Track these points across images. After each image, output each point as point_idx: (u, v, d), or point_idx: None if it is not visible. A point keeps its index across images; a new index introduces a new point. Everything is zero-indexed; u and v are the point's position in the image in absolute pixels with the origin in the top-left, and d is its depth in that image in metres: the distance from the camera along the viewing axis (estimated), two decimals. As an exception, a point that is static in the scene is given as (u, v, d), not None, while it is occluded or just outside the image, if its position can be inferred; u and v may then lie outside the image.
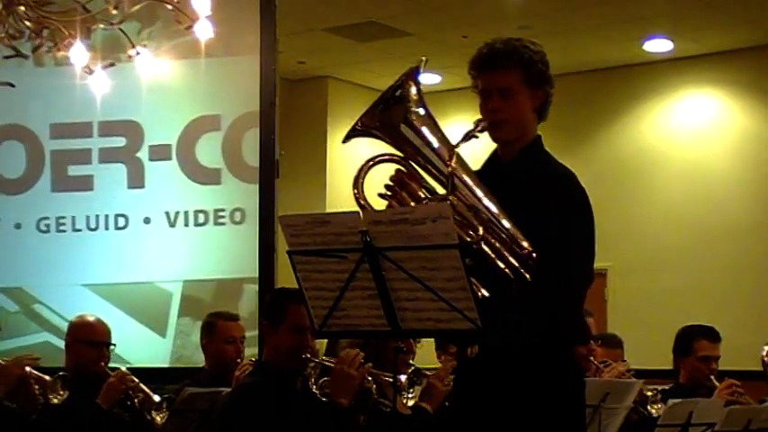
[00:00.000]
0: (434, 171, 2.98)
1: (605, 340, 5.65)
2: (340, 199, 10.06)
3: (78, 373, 4.77)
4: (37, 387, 4.50)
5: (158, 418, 4.57)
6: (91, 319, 5.01)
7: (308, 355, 3.91)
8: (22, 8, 4.80)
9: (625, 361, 5.47)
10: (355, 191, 2.95)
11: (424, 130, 2.99)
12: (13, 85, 5.78)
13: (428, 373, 4.31)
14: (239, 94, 6.62)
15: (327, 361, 4.05)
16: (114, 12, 4.86)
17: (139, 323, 6.75)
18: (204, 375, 5.11)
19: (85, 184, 6.91)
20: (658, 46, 9.44)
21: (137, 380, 4.68)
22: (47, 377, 4.53)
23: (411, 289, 2.69)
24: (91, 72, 5.10)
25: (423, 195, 2.95)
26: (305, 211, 2.91)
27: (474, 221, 2.86)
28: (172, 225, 6.79)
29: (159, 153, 6.83)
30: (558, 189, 2.99)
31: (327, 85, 10.58)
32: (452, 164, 2.87)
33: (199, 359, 5.53)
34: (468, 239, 2.81)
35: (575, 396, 3.05)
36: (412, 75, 3.04)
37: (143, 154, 6.85)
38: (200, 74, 6.55)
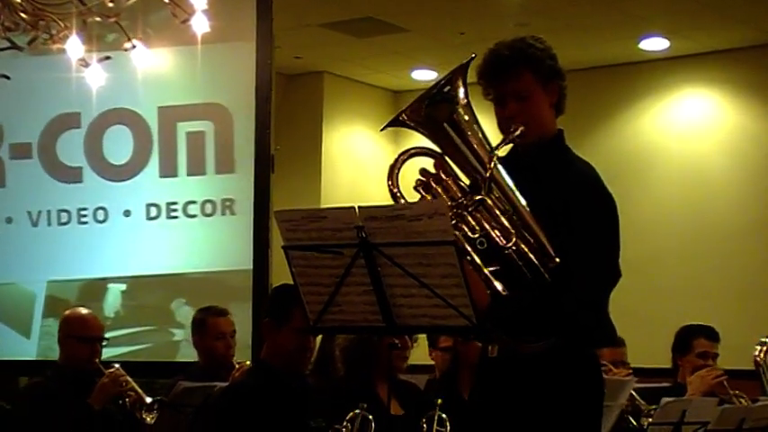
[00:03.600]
0: (470, 170, 2.95)
1: None
2: (335, 194, 10.05)
3: (71, 369, 4.76)
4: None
5: (149, 419, 4.57)
6: (84, 312, 5.00)
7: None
8: (18, 0, 4.78)
9: (627, 363, 5.47)
10: (390, 182, 2.92)
11: (467, 130, 2.96)
12: (8, 77, 5.75)
13: None
14: (234, 87, 6.60)
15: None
16: (110, 4, 4.85)
17: (2, 324, 6.78)
18: (196, 370, 5.11)
19: (-55, 183, 6.89)
20: (654, 45, 9.43)
21: (130, 380, 4.68)
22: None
23: (406, 285, 2.68)
24: (87, 65, 5.09)
25: (458, 193, 2.92)
26: (299, 207, 2.90)
27: (508, 225, 2.84)
28: (35, 225, 6.80)
29: (20, 151, 6.83)
30: (580, 187, 2.97)
31: (323, 81, 10.55)
32: (492, 167, 2.85)
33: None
34: (501, 243, 2.80)
35: (593, 397, 3.02)
36: (461, 72, 2.98)
37: (3, 152, 6.85)
38: (196, 65, 6.54)
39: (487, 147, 2.94)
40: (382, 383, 4.21)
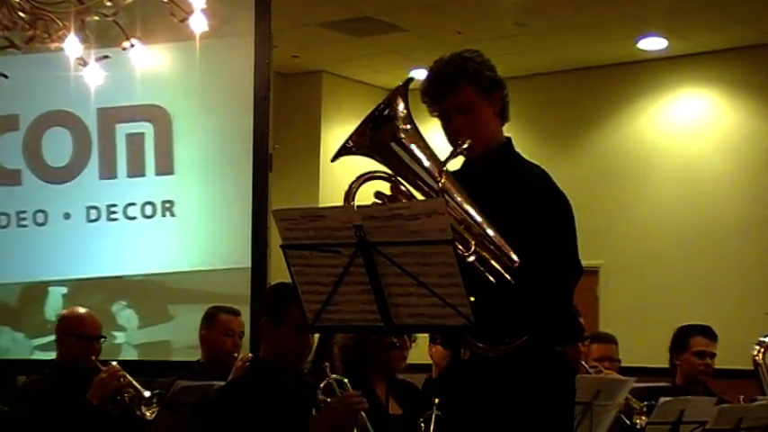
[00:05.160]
0: (424, 187, 3.01)
1: (599, 337, 5.66)
2: (333, 193, 10.05)
3: (69, 366, 4.76)
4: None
5: (148, 414, 4.57)
6: (82, 311, 5.00)
7: (327, 367, 3.86)
8: (17, -1, 4.78)
9: (616, 360, 5.47)
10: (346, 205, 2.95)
11: (414, 147, 3.02)
12: (6, 76, 5.74)
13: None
14: (232, 86, 6.59)
15: (337, 380, 3.95)
16: (108, 3, 4.84)
17: None
18: (198, 367, 5.11)
19: None
20: (652, 44, 9.45)
21: (128, 375, 4.68)
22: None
23: (404, 284, 2.68)
24: (85, 64, 5.09)
25: None
26: (298, 206, 2.90)
27: (465, 235, 2.88)
28: None
29: None
30: (534, 190, 3.03)
31: (321, 80, 10.57)
32: (442, 180, 2.91)
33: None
34: (461, 253, 2.83)
35: (564, 395, 3.08)
36: (400, 92, 3.04)
37: None
38: (194, 64, 6.52)
39: (436, 161, 3.00)
40: (380, 382, 4.22)
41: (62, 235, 6.67)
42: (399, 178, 3.02)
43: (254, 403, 3.74)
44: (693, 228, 9.52)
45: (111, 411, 4.65)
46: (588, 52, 9.63)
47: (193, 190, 6.52)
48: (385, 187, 3.03)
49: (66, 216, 6.68)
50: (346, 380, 3.94)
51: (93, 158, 6.66)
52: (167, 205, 6.50)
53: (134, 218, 6.55)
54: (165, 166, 6.55)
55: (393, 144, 3.01)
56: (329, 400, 3.85)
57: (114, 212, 6.59)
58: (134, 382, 4.66)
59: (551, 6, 8.50)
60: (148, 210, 6.52)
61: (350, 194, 2.96)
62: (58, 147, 6.71)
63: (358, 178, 3.00)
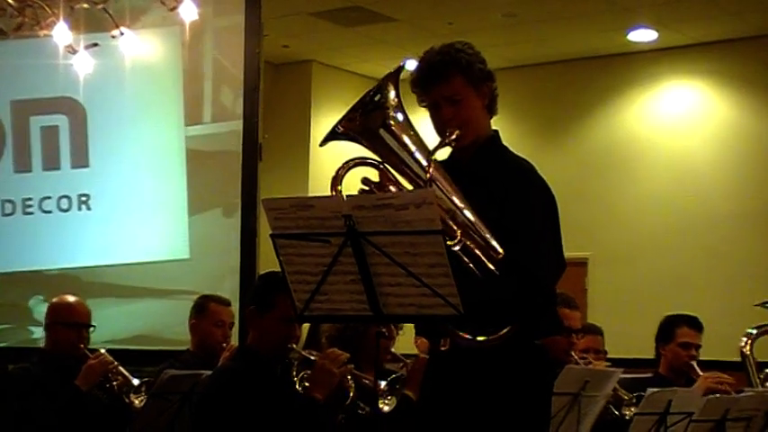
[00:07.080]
0: (411, 175, 3.02)
1: (585, 329, 5.66)
2: (323, 184, 10.03)
3: (57, 355, 4.76)
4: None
5: (137, 401, 4.56)
6: (71, 300, 4.98)
7: (294, 346, 3.90)
8: (5, -14, 4.76)
9: (602, 351, 5.48)
10: (333, 192, 2.96)
11: (403, 135, 3.03)
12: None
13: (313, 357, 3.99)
14: (222, 76, 6.56)
15: (311, 354, 4.02)
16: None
17: None
18: (188, 356, 5.10)
19: None
20: (642, 36, 9.46)
21: (116, 362, 4.67)
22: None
23: (394, 274, 2.68)
24: (74, 51, 5.07)
25: None
26: (287, 195, 2.90)
27: (452, 225, 2.90)
28: None
29: None
30: (519, 185, 3.04)
31: (311, 70, 10.55)
32: (431, 170, 2.92)
33: None
34: (448, 242, 2.84)
35: (541, 388, 3.10)
36: (391, 79, 3.06)
37: None
38: (184, 54, 6.48)
39: (425, 150, 3.01)
40: (368, 372, 4.22)
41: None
42: (387, 165, 3.03)
43: (244, 390, 3.75)
44: (682, 220, 9.54)
45: (100, 398, 4.65)
46: (578, 44, 9.63)
47: (113, 183, 6.49)
48: (373, 174, 3.04)
49: None
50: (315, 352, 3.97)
51: (8, 151, 6.63)
52: (83, 198, 6.47)
53: (49, 211, 6.52)
54: (81, 159, 6.53)
55: (382, 131, 3.02)
56: (313, 358, 3.88)
57: (30, 206, 6.57)
58: (123, 370, 4.66)
59: (541, -3, 8.50)
60: (64, 203, 6.50)
61: (337, 180, 2.98)
62: None
63: (346, 164, 3.02)
